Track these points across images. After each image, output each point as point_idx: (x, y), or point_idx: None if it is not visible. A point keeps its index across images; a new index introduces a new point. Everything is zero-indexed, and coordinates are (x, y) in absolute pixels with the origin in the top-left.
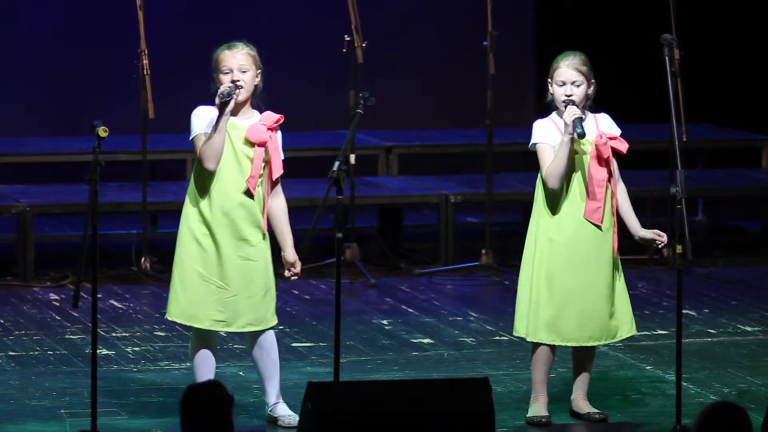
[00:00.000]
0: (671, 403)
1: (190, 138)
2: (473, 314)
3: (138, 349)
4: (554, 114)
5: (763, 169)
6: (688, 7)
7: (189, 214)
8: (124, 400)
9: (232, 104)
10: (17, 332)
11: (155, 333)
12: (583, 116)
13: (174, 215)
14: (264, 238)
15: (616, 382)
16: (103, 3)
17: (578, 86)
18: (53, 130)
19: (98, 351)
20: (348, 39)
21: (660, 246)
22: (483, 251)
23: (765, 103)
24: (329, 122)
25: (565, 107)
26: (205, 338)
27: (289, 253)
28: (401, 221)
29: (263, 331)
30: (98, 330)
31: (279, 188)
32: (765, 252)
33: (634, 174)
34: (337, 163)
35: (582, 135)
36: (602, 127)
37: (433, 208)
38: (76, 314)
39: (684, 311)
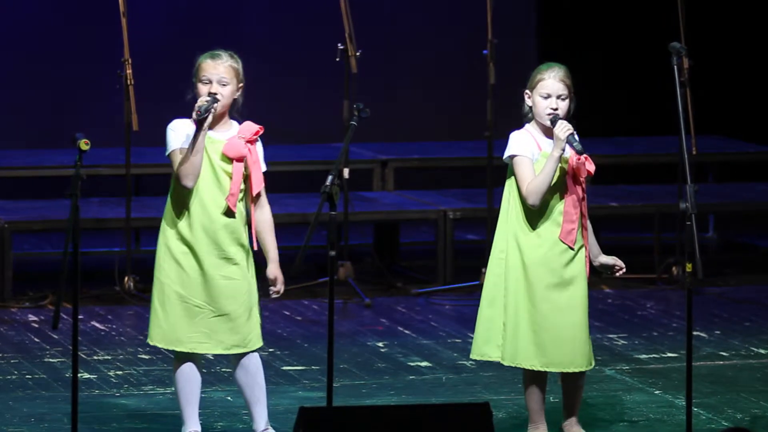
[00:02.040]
0: (681, 430)
1: (166, 153)
2: (472, 335)
3: (121, 373)
4: (530, 126)
5: None
6: (698, 13)
7: (167, 232)
8: (106, 427)
9: (209, 119)
10: None
11: (139, 356)
12: (574, 131)
13: (159, 232)
14: (248, 255)
15: (623, 407)
16: (85, 10)
17: (563, 100)
18: (32, 143)
19: (79, 375)
20: (341, 47)
21: (619, 273)
22: (483, 270)
23: None
24: (322, 135)
25: (552, 122)
26: (188, 361)
27: (271, 269)
28: (397, 238)
29: (248, 353)
30: (79, 353)
31: (263, 201)
32: None
33: (640, 189)
34: (330, 178)
35: (581, 151)
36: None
37: (431, 224)
38: (55, 336)
39: (694, 333)
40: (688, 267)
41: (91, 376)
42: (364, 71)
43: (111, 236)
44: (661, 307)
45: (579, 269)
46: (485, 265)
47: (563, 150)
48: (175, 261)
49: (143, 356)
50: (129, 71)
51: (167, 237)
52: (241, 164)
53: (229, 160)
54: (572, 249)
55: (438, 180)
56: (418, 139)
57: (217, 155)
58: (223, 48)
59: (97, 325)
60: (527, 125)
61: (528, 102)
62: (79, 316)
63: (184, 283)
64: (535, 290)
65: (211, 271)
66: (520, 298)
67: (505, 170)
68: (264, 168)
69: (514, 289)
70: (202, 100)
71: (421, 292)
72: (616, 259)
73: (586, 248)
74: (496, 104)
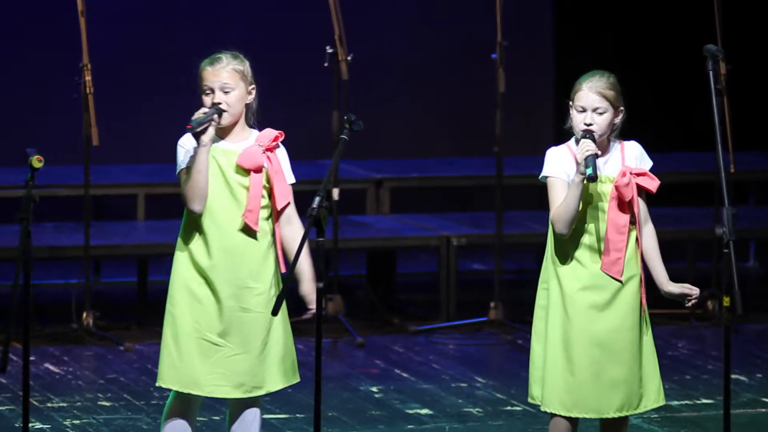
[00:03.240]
0: None
1: (176, 173)
2: (480, 380)
3: (78, 422)
4: (572, 142)
5: None
6: (736, 12)
7: (180, 260)
8: None
9: (210, 132)
10: None
11: (99, 403)
12: (599, 153)
13: (122, 261)
14: (273, 284)
15: None
16: (39, 7)
17: (601, 114)
18: None
19: (30, 425)
20: (330, 51)
21: (690, 303)
22: (491, 304)
23: None
24: (308, 150)
25: (578, 140)
26: (188, 405)
27: (309, 288)
28: (394, 268)
29: (251, 407)
30: (30, 400)
31: (291, 214)
32: None
33: (672, 212)
34: (317, 199)
35: (593, 178)
36: (629, 160)
37: (432, 252)
38: (3, 380)
39: (733, 376)
40: (726, 301)
41: (45, 426)
42: (355, 78)
43: (67, 266)
44: (694, 347)
45: (629, 302)
46: (494, 298)
47: (583, 174)
48: (189, 291)
49: (104, 403)
50: (88, 78)
51: (180, 265)
52: (260, 175)
53: (246, 172)
54: (619, 281)
55: (440, 202)
56: (417, 155)
57: (232, 168)
58: (197, 51)
59: (52, 367)
60: (570, 141)
61: (570, 116)
62: (31, 358)
63: (200, 316)
64: (575, 326)
65: (230, 302)
66: (557, 334)
67: (521, 191)
68: (291, 179)
69: (553, 324)
70: (200, 112)
71: (420, 330)
72: (687, 286)
73: (642, 279)
74: (506, 116)
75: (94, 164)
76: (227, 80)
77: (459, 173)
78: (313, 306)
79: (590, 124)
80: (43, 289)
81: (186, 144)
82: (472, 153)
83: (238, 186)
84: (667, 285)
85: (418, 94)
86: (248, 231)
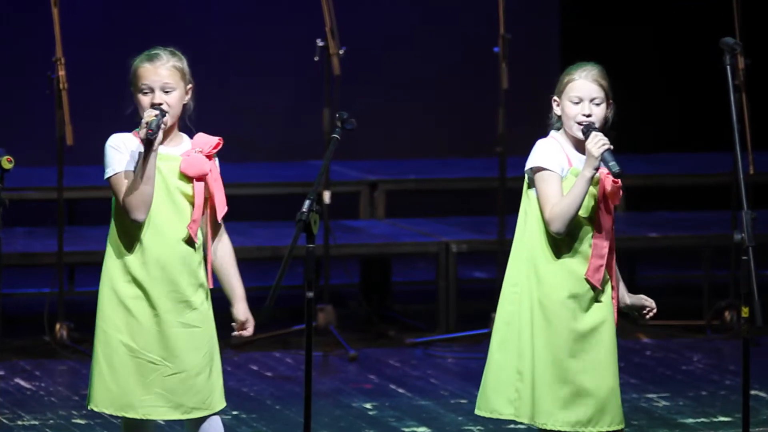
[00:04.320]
0: None
1: (106, 177)
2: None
3: None
4: (559, 135)
5: None
6: (756, 2)
7: (112, 271)
8: None
9: (160, 137)
10: None
11: (73, 420)
12: (611, 147)
13: (98, 269)
14: (207, 297)
15: None
16: None
17: (598, 104)
18: None
19: None
20: (321, 44)
21: (648, 315)
22: (493, 315)
23: None
24: (297, 150)
25: (585, 132)
26: (141, 430)
27: (242, 309)
28: (389, 276)
29: (209, 416)
30: (0, 417)
31: (223, 230)
32: None
33: (687, 216)
34: (307, 203)
35: (619, 173)
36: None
37: (431, 259)
38: None
39: (752, 392)
40: (745, 311)
41: None
42: (348, 73)
43: (40, 274)
44: (711, 361)
45: (607, 313)
46: (496, 308)
47: (596, 169)
48: (124, 306)
49: (78, 421)
50: (62, 72)
51: (112, 277)
52: (202, 184)
53: (188, 179)
54: (600, 289)
55: (439, 206)
56: (414, 155)
57: (174, 174)
58: (179, 46)
59: (23, 383)
60: (554, 133)
61: (556, 110)
62: (0, 372)
63: (135, 333)
64: (558, 334)
65: (168, 317)
66: (540, 342)
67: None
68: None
69: (531, 331)
70: (150, 115)
71: (418, 343)
72: (644, 298)
73: (614, 288)
74: (509, 113)
75: (68, 165)
76: (167, 79)
77: (459, 175)
78: (250, 329)
79: (589, 115)
80: (14, 299)
81: (120, 146)
82: (473, 153)
83: (179, 194)
84: (627, 297)
85: (416, 90)
86: (189, 242)
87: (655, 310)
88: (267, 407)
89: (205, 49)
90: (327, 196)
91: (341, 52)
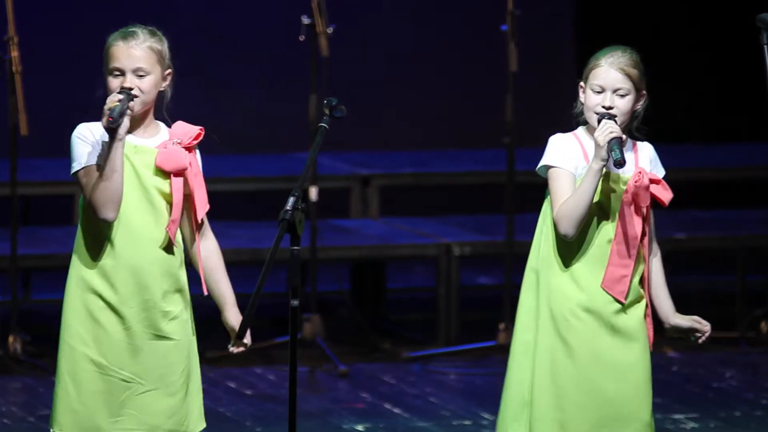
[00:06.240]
0: None
1: (72, 172)
2: (486, 416)
3: None
4: (580, 130)
5: None
6: None
7: (79, 278)
8: None
9: (126, 124)
10: None
11: None
12: (624, 137)
13: (57, 274)
14: (187, 306)
15: None
16: None
17: (622, 96)
18: None
19: None
20: (307, 22)
21: (701, 340)
22: (500, 326)
23: None
24: (281, 141)
25: (599, 121)
26: None
27: (234, 316)
28: (383, 283)
29: None
30: None
31: (207, 228)
32: None
33: (718, 215)
34: (291, 200)
35: (620, 163)
36: (643, 162)
37: (430, 263)
38: None
39: None
40: None
41: None
42: (337, 54)
43: None
44: (745, 377)
45: (634, 328)
46: (503, 319)
47: (606, 161)
48: (91, 317)
49: None
50: (15, 53)
51: (79, 284)
52: (181, 180)
53: (165, 174)
54: (621, 303)
55: (439, 203)
56: (411, 147)
57: (149, 169)
58: (141, 23)
59: None
60: (578, 129)
61: (582, 98)
62: None
63: (104, 347)
64: (568, 355)
65: (140, 328)
66: (546, 362)
67: (536, 191)
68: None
69: (542, 347)
70: (113, 100)
71: (415, 357)
72: (697, 319)
73: (647, 304)
74: (518, 99)
75: (22, 158)
76: (141, 62)
77: (462, 169)
78: (243, 338)
79: (610, 108)
80: None
81: (87, 136)
82: (477, 145)
83: (155, 191)
84: (674, 317)
85: (413, 74)
86: (167, 244)
87: (708, 334)
88: (247, 429)
89: (178, 25)
90: (314, 192)
91: (329, 30)
